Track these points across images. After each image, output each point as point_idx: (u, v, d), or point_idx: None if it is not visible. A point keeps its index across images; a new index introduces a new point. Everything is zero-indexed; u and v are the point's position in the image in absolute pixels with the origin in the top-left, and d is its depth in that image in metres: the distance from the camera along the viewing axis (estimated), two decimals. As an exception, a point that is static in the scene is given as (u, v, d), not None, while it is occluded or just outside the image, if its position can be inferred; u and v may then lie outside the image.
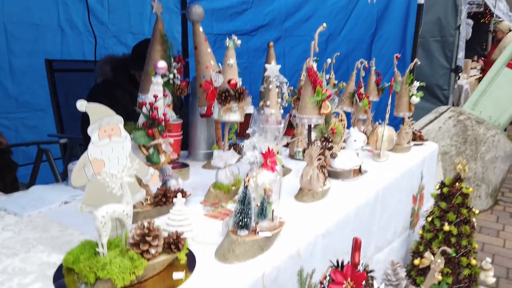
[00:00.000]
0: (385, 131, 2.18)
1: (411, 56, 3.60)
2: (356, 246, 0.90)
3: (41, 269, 1.03)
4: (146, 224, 0.98)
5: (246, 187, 1.11)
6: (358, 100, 2.32)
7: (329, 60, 2.60)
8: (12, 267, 1.03)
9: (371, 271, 0.91)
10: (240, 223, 1.11)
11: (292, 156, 2.21)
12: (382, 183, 1.85)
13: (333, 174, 1.83)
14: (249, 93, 1.55)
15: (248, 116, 1.54)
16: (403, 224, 2.20)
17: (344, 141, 2.00)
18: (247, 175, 1.13)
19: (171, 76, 1.80)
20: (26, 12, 3.19)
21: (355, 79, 2.42)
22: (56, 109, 3.10)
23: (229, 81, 1.45)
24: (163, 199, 1.34)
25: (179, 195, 1.03)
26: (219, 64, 1.67)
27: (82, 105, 0.98)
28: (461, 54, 5.41)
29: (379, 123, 2.26)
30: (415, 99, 2.31)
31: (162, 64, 1.20)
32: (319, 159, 1.58)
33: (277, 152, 1.75)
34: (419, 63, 2.32)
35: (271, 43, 2.58)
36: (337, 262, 0.94)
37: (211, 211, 1.44)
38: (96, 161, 1.02)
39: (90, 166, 1.02)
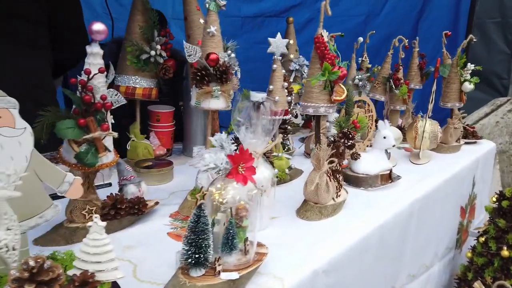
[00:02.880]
0: (427, 126, 1.72)
1: (464, 38, 3.03)
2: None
3: None
4: (32, 262, 0.64)
5: (199, 208, 0.75)
6: (394, 86, 1.87)
7: (360, 39, 2.16)
8: None
9: None
10: (190, 260, 0.75)
11: (307, 154, 1.81)
12: (419, 193, 1.41)
13: (354, 181, 1.42)
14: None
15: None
16: (446, 243, 1.75)
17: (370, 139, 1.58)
18: (200, 189, 0.76)
19: (153, 53, 1.47)
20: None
21: (391, 61, 1.97)
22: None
23: (207, 56, 1.08)
24: (111, 211, 1.01)
25: (96, 217, 0.70)
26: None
27: None
28: (526, 36, 4.67)
29: (421, 116, 1.79)
30: (468, 86, 1.82)
31: (99, 26, 0.85)
32: (331, 162, 1.18)
33: (269, 152, 1.37)
34: (475, 40, 1.83)
35: (291, 19, 2.18)
36: None
37: (179, 228, 1.09)
38: (-26, 164, 0.70)
39: (-33, 170, 0.70)
